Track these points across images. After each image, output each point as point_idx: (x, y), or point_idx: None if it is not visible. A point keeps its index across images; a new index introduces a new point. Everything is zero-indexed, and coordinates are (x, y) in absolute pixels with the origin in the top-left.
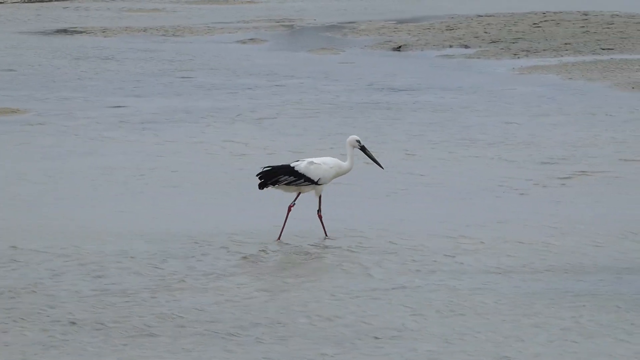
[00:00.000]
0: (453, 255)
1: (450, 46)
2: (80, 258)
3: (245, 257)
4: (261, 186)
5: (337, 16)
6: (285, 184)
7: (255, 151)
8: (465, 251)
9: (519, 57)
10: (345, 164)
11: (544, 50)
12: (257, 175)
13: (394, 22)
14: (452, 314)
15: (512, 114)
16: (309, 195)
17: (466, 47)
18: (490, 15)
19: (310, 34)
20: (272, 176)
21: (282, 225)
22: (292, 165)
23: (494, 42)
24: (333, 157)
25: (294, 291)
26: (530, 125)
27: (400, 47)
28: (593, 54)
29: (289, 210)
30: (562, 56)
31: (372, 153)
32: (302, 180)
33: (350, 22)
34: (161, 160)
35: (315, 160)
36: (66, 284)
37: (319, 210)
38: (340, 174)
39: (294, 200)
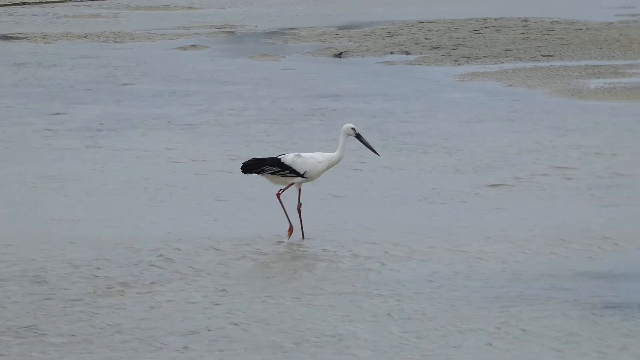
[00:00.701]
0: (385, 262)
1: (392, 52)
2: (18, 264)
3: (182, 264)
4: (245, 172)
5: (278, 22)
6: (270, 174)
7: (193, 157)
8: (398, 258)
9: (459, 64)
10: (334, 155)
11: (484, 56)
12: (242, 163)
13: (335, 28)
14: (386, 321)
15: (453, 120)
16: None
17: (407, 53)
18: (431, 22)
19: (251, 40)
20: (258, 165)
21: (286, 216)
22: (278, 157)
23: (434, 48)
24: (323, 152)
25: (229, 297)
26: (470, 131)
27: (341, 53)
28: (533, 60)
29: (279, 197)
30: (502, 63)
31: (367, 141)
32: (287, 171)
33: (291, 29)
34: (100, 167)
35: (302, 154)
36: (4, 290)
37: (299, 204)
38: (332, 165)
39: (282, 190)
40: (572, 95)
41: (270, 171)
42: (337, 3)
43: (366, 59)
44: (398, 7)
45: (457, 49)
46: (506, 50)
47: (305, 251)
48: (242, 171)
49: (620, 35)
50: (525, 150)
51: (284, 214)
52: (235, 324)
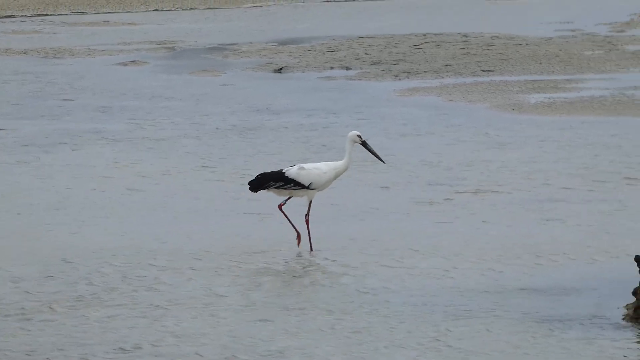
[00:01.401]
0: (320, 278)
1: (332, 68)
2: None
3: (118, 279)
4: (252, 189)
5: (218, 38)
6: (276, 188)
7: (131, 172)
8: (333, 274)
9: (400, 79)
10: (340, 163)
11: (424, 71)
12: (248, 182)
13: (275, 43)
14: (320, 336)
15: (393, 135)
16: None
17: (347, 68)
18: (371, 37)
19: (191, 56)
20: (263, 182)
21: (292, 225)
22: (283, 170)
23: (375, 63)
24: (328, 162)
25: (162, 310)
26: (410, 146)
27: (281, 69)
28: (473, 75)
29: (280, 209)
30: (442, 78)
31: (373, 148)
32: (292, 184)
33: (231, 44)
34: (41, 182)
35: (305, 165)
36: None
37: (307, 215)
38: (339, 174)
39: (285, 201)
40: (513, 109)
41: (275, 186)
42: (277, 19)
43: (306, 75)
44: (338, 22)
45: (397, 64)
46: (446, 65)
47: (246, 266)
48: (250, 189)
49: (560, 50)
50: (465, 165)
51: (290, 224)
52: (174, 338)
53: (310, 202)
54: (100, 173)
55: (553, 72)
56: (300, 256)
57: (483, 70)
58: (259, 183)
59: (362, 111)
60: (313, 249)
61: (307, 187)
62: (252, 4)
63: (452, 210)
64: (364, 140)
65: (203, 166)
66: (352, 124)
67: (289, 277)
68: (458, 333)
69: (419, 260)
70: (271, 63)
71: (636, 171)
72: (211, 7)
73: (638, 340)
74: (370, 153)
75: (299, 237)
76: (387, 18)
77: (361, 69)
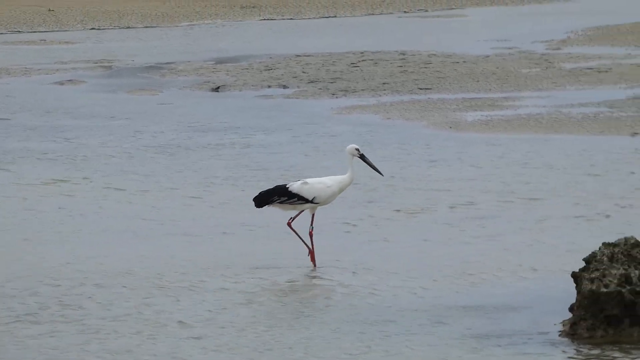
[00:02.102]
0: (250, 295)
1: (269, 86)
2: None
3: (52, 299)
4: (257, 205)
5: (155, 57)
6: (279, 203)
7: (66, 191)
8: (266, 291)
9: (337, 97)
10: (344, 177)
11: (362, 90)
12: (253, 198)
13: (213, 62)
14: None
15: (331, 153)
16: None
17: (285, 87)
18: (309, 55)
19: (128, 75)
20: (266, 197)
21: (303, 242)
22: (286, 185)
23: (312, 82)
24: (334, 175)
25: (97, 333)
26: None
27: (218, 87)
28: (411, 93)
29: (289, 226)
30: (380, 96)
31: (371, 161)
32: (296, 199)
33: (168, 63)
34: None
35: (308, 180)
36: None
37: (311, 228)
38: (343, 188)
39: (292, 218)
40: (450, 127)
41: (279, 201)
42: (215, 37)
43: (244, 93)
44: (275, 41)
45: (334, 82)
46: (384, 83)
47: (174, 283)
48: (255, 205)
49: (497, 68)
50: (402, 183)
51: (300, 240)
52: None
53: (313, 215)
54: (36, 191)
55: (490, 90)
56: (226, 275)
57: (420, 88)
58: (263, 199)
59: (299, 129)
60: (316, 265)
61: (311, 201)
62: (189, 23)
63: (387, 229)
64: (362, 154)
65: (138, 184)
66: (289, 142)
67: (215, 295)
68: (394, 351)
69: (349, 278)
70: (208, 82)
71: (571, 189)
72: (148, 25)
73: (574, 356)
74: (368, 166)
75: (311, 253)
76: (324, 36)
77: (298, 87)
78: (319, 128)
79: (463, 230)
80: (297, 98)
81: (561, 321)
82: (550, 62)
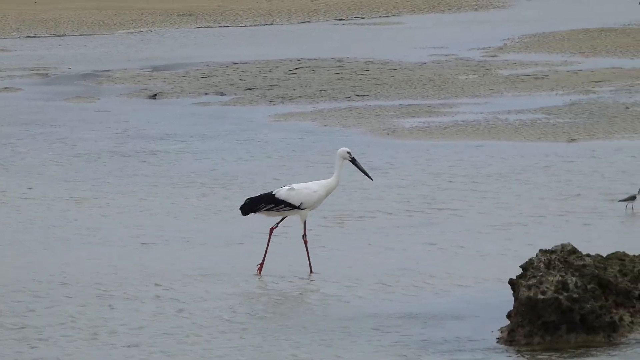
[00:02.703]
0: (181, 301)
1: (206, 93)
2: None
3: None
4: (243, 213)
5: (92, 64)
6: (266, 210)
7: (4, 200)
8: (196, 299)
9: (274, 104)
10: (330, 181)
11: (299, 97)
12: (239, 207)
13: (149, 69)
14: None
15: (268, 160)
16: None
17: (222, 94)
18: (246, 63)
19: (65, 83)
20: (253, 205)
21: (265, 251)
22: (273, 192)
23: (249, 89)
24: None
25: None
26: (285, 171)
27: (155, 95)
28: (348, 100)
29: (271, 232)
30: (317, 103)
31: (362, 165)
32: (282, 205)
33: (105, 71)
34: None
35: (294, 186)
36: None
37: (304, 235)
38: (330, 191)
39: (277, 223)
40: (388, 134)
41: (266, 208)
42: (151, 45)
43: (181, 100)
44: (212, 48)
45: (272, 89)
46: (321, 90)
47: (106, 292)
48: (242, 213)
49: (434, 75)
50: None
51: (265, 250)
52: None
53: (305, 221)
54: None
55: (427, 96)
56: (146, 283)
57: (358, 95)
58: (250, 207)
59: (236, 136)
60: (313, 270)
61: (298, 207)
62: (126, 30)
63: (324, 236)
64: (353, 157)
65: (75, 191)
66: (226, 149)
67: (125, 303)
68: (333, 357)
69: (286, 285)
70: (145, 89)
71: (508, 195)
72: (84, 33)
73: None
74: (359, 170)
75: (260, 266)
76: (261, 44)
77: (235, 94)
78: (256, 135)
79: (400, 238)
80: (234, 105)
81: (499, 328)
82: (487, 69)
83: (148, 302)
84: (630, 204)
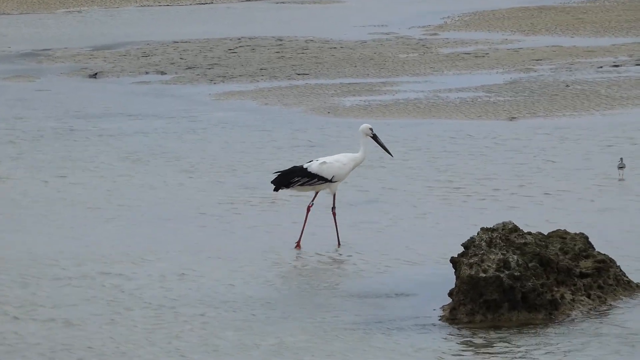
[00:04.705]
0: (133, 280)
1: (147, 72)
2: None
3: None
4: (276, 188)
5: (32, 43)
6: (299, 185)
7: None
8: (136, 277)
9: (215, 83)
10: (358, 155)
11: (240, 75)
12: (271, 182)
13: (90, 49)
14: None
15: (209, 139)
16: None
17: (162, 73)
18: (186, 42)
19: (4, 62)
20: (286, 179)
21: (302, 228)
22: (304, 166)
23: (190, 68)
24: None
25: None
26: (227, 149)
27: (96, 74)
28: (289, 79)
29: (308, 210)
30: (258, 82)
31: (382, 141)
32: (316, 179)
33: (45, 50)
34: None
35: (325, 159)
36: None
37: (333, 207)
38: (357, 165)
39: (312, 200)
40: (328, 113)
41: (299, 183)
42: (91, 24)
43: (122, 79)
44: (152, 27)
45: (212, 68)
46: (261, 69)
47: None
48: (274, 188)
49: (375, 53)
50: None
51: (302, 228)
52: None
53: (335, 194)
54: None
55: (368, 75)
56: (97, 260)
57: (298, 74)
58: (283, 180)
59: (177, 115)
60: (340, 243)
61: (330, 181)
62: (66, 10)
63: (265, 214)
64: (375, 134)
65: (15, 171)
66: (167, 128)
67: (89, 280)
68: (274, 340)
69: (225, 264)
70: (86, 68)
71: (449, 173)
72: (24, 12)
73: (453, 340)
74: (379, 146)
75: (299, 242)
76: (201, 23)
77: (176, 73)
78: (197, 114)
79: (342, 218)
80: (175, 84)
81: (441, 306)
82: (427, 48)
83: (77, 280)
84: (620, 172)
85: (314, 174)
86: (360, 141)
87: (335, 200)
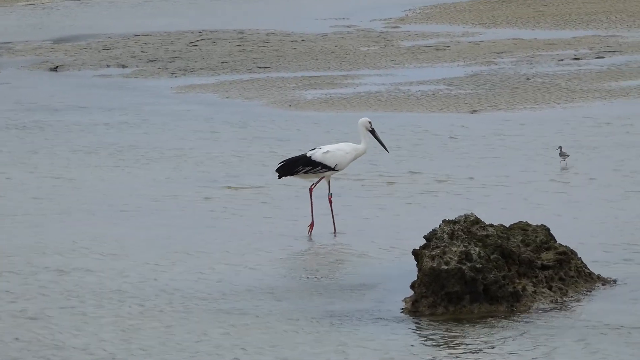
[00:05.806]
0: (97, 272)
1: (108, 66)
2: None
3: None
4: (280, 176)
5: None
6: (304, 173)
7: None
8: (116, 272)
9: (176, 76)
10: (360, 146)
11: (201, 69)
12: (275, 170)
13: (51, 42)
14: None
15: (170, 132)
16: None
17: (123, 66)
18: (147, 35)
19: None
20: (290, 168)
21: (311, 212)
22: (308, 154)
23: (151, 61)
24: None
25: None
26: (188, 143)
27: (57, 67)
28: (250, 72)
29: (311, 192)
30: (219, 75)
31: (380, 136)
32: (319, 167)
33: (5, 43)
34: None
35: (329, 148)
36: None
37: (329, 195)
38: (358, 156)
39: (315, 183)
40: (290, 106)
41: (304, 170)
42: (52, 17)
43: (82, 72)
44: (113, 20)
45: (173, 61)
46: (222, 62)
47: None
48: (279, 176)
49: (335, 46)
50: (245, 162)
51: (310, 211)
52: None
53: (329, 181)
54: None
55: (329, 68)
56: (71, 252)
57: (259, 67)
58: (287, 169)
59: (138, 108)
60: (336, 230)
61: (333, 169)
62: (26, 2)
63: (223, 208)
64: (373, 128)
65: None
66: (128, 121)
67: (60, 274)
68: (234, 332)
69: (184, 258)
70: (47, 61)
71: (407, 166)
72: None
73: (415, 333)
74: (376, 140)
75: (311, 225)
76: (162, 16)
77: (137, 66)
78: (158, 107)
79: (299, 210)
80: (136, 77)
81: (403, 299)
82: (388, 40)
83: (42, 273)
84: (564, 161)
85: (317, 162)
86: (361, 134)
87: (316, 187)
